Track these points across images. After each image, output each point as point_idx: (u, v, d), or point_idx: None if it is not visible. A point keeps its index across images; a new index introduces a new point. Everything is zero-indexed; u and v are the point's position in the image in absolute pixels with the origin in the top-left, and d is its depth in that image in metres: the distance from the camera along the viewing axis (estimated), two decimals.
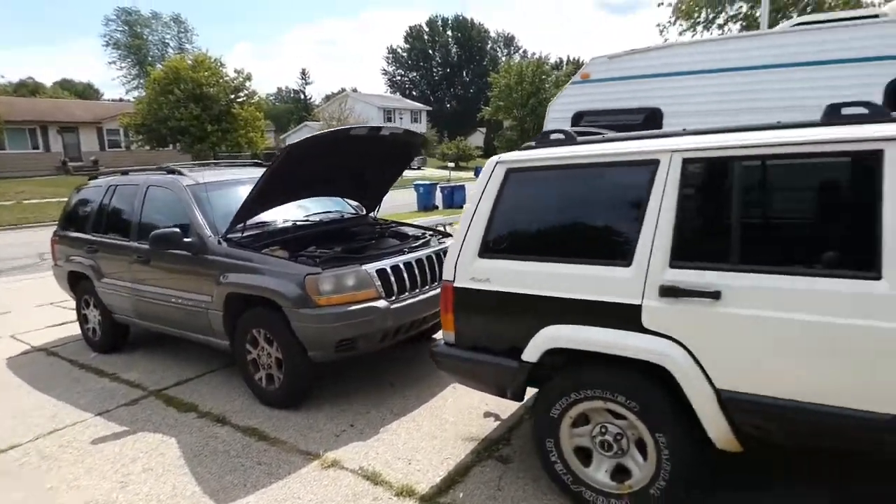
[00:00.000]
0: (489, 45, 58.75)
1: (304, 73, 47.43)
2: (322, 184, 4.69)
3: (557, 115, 6.22)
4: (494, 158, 2.76)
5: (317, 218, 4.83)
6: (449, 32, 58.06)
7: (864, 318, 1.87)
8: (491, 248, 2.69)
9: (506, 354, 2.64)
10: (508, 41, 59.70)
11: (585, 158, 2.49)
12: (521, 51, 58.12)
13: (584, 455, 2.60)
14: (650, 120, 5.60)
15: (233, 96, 27.95)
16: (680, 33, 14.70)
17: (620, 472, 2.51)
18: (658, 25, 17.81)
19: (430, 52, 58.30)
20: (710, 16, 13.96)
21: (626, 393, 2.35)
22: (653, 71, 5.61)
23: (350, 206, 5.44)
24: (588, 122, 6.01)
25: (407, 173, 29.75)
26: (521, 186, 2.65)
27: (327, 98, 50.85)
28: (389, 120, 43.06)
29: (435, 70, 59.32)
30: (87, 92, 56.20)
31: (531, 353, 2.54)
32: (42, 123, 29.77)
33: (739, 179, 2.12)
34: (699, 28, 14.17)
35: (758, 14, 11.89)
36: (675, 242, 2.21)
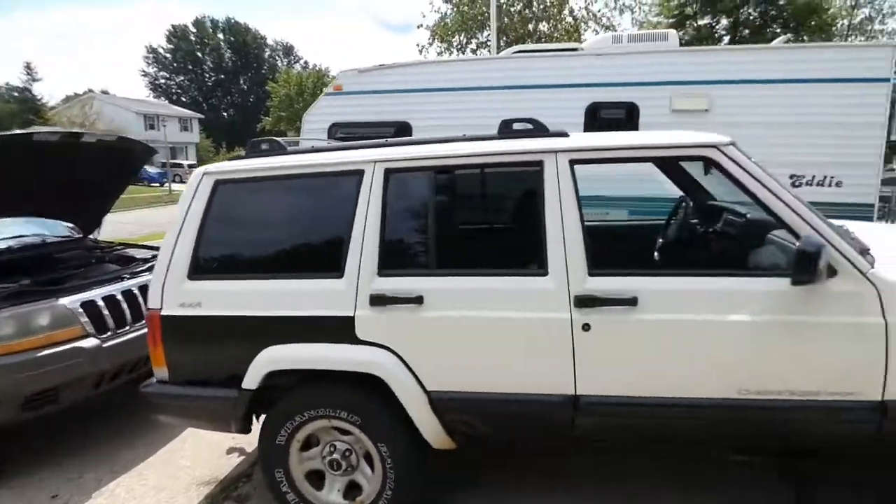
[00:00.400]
0: (267, 54, 56.45)
1: (28, 67, 39.44)
2: (13, 201, 3.81)
3: (313, 126, 6.11)
4: (201, 169, 2.50)
5: (2, 245, 3.89)
6: (220, 35, 54.22)
7: (537, 311, 2.10)
8: (201, 268, 2.42)
9: (225, 385, 2.40)
10: (288, 50, 58.17)
11: (294, 168, 2.40)
12: (301, 61, 57.04)
13: (318, 478, 2.49)
14: (400, 133, 5.84)
15: None
16: (438, 53, 16.03)
17: (353, 489, 2.46)
18: (418, 45, 19.18)
19: (200, 55, 53.67)
20: (464, 41, 15.52)
21: (347, 407, 2.30)
22: (400, 86, 5.84)
23: (63, 227, 4.55)
24: (343, 134, 6.04)
25: (177, 187, 26.80)
26: (230, 199, 2.43)
27: (68, 99, 43.13)
28: (152, 128, 38.13)
29: (207, 75, 54.77)
30: None
31: (251, 379, 2.34)
32: None
33: (434, 188, 2.24)
34: (454, 51, 15.63)
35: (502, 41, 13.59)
36: (381, 251, 2.24)
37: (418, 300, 2.18)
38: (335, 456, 2.41)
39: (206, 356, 2.45)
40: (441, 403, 2.23)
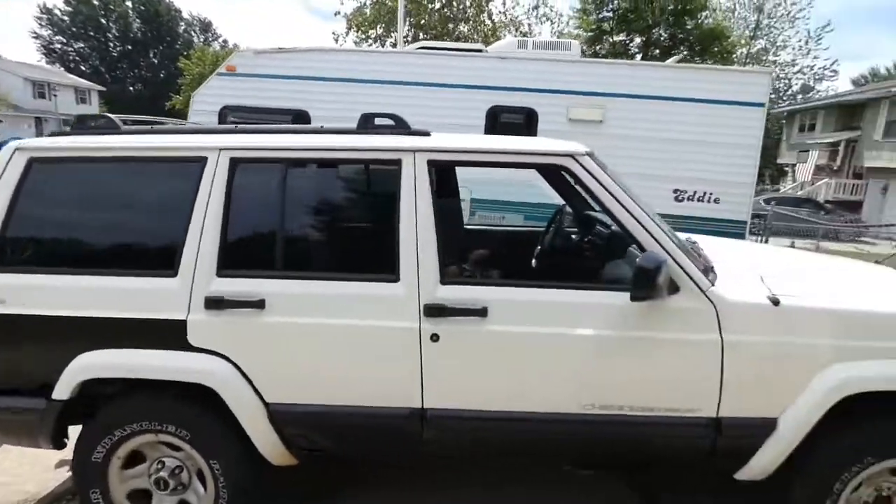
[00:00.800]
0: (182, 28, 52.83)
1: None
2: None
3: (202, 108, 5.65)
4: (13, 144, 2.15)
5: None
6: (129, 3, 50.04)
7: (385, 319, 1.97)
8: (8, 258, 2.08)
9: (34, 394, 2.08)
10: (206, 27, 54.75)
11: (127, 150, 2.12)
12: (220, 39, 53.97)
13: (145, 496, 2.22)
14: (298, 122, 5.54)
15: None
16: (356, 44, 15.62)
17: None
18: (334, 34, 18.55)
19: (104, 21, 49.26)
20: (382, 33, 15.25)
21: (176, 421, 2.06)
22: (300, 73, 5.55)
23: None
24: (235, 119, 5.64)
25: None
26: (47, 181, 2.11)
27: None
28: (42, 96, 34.58)
29: (112, 44, 50.38)
30: None
31: (63, 389, 2.04)
32: None
33: (284, 183, 2.04)
34: (371, 42, 15.30)
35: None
36: (221, 249, 2.02)
37: (259, 304, 1.99)
38: (163, 474, 2.15)
39: (9, 362, 2.11)
40: (281, 417, 2.05)
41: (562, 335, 1.94)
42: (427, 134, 2.13)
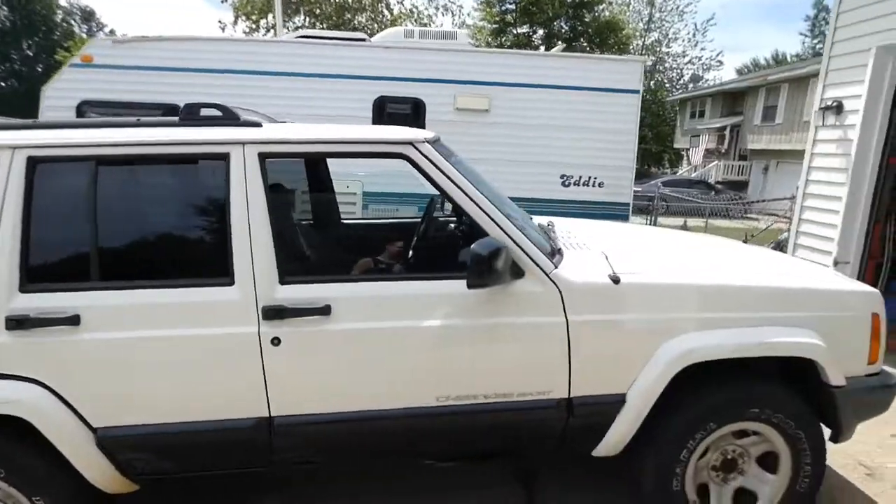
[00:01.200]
0: (60, 17, 48.19)
1: None
2: None
3: (55, 103, 5.12)
4: None
5: None
6: None
7: (221, 326, 1.82)
8: None
9: None
10: (87, 16, 50.26)
11: None
12: (105, 29, 49.74)
13: None
14: (169, 115, 5.15)
15: None
16: (245, 33, 14.87)
17: None
18: (220, 22, 17.54)
19: None
20: (272, 22, 14.65)
21: None
22: (170, 63, 5.15)
23: None
24: (97, 115, 5.16)
25: None
26: None
27: None
28: None
29: None
30: None
31: None
32: None
33: (95, 182, 1.83)
34: (261, 31, 14.64)
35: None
36: (22, 260, 1.78)
37: (73, 320, 1.77)
38: None
39: None
40: (112, 442, 1.85)
41: (409, 328, 1.88)
42: (258, 125, 1.99)
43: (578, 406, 1.99)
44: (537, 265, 1.93)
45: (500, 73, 5.36)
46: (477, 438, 2.05)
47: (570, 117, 5.39)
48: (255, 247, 1.84)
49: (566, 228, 2.67)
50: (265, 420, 1.89)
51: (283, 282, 1.87)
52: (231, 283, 1.84)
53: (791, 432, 2.08)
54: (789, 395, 2.07)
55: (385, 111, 5.29)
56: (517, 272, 1.91)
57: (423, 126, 5.28)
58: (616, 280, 1.96)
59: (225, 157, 1.88)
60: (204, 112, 2.01)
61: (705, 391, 2.06)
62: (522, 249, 1.92)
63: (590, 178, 5.50)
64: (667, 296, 2.00)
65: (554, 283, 1.93)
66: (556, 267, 1.96)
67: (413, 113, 5.30)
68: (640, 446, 2.05)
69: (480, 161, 5.22)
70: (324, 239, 2.34)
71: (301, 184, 2.92)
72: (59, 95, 5.14)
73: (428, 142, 1.99)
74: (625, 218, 5.56)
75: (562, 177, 5.48)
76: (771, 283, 2.10)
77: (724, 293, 2.03)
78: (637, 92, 5.43)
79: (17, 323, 1.75)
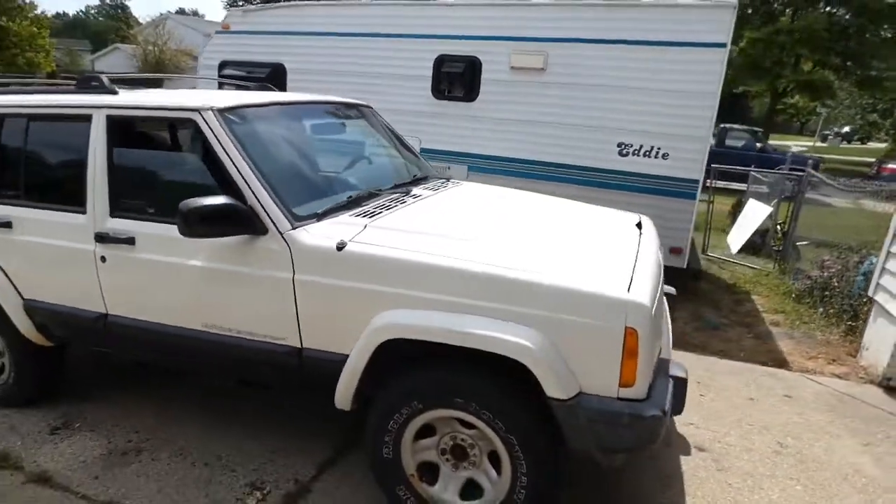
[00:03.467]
0: None
1: None
2: None
3: (208, 62, 6.50)
4: None
5: None
6: None
7: (76, 242, 2.51)
8: None
9: None
10: None
11: None
12: None
13: None
14: (275, 74, 6.12)
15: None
16: None
17: None
18: None
19: None
20: None
21: None
22: (275, 28, 6.07)
23: None
24: (230, 72, 6.40)
25: None
26: None
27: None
28: None
29: None
30: None
31: None
32: None
33: (3, 132, 2.66)
34: None
35: None
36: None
37: (8, 225, 2.65)
38: None
39: None
40: (29, 308, 2.72)
41: (181, 265, 2.31)
42: (114, 92, 2.54)
43: (308, 357, 2.19)
44: (275, 226, 2.14)
45: (557, 27, 4.98)
46: (235, 365, 2.41)
47: (633, 77, 4.78)
48: (97, 187, 2.46)
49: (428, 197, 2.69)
50: (103, 315, 2.56)
51: (112, 215, 2.46)
52: (84, 212, 2.50)
53: (503, 434, 1.96)
54: (498, 393, 1.93)
55: (438, 69, 5.42)
56: (262, 229, 2.16)
57: (477, 87, 5.29)
58: (340, 247, 2.07)
59: (88, 119, 2.50)
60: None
61: (416, 370, 2.06)
62: (264, 208, 2.15)
63: (652, 147, 4.86)
64: (385, 269, 2.02)
65: (287, 243, 2.13)
66: (293, 229, 2.14)
67: (468, 72, 5.33)
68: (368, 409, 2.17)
69: (535, 124, 5.11)
70: (146, 185, 2.78)
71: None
72: (207, 56, 6.51)
73: (219, 111, 2.30)
74: (691, 197, 4.82)
75: (619, 145, 4.95)
76: (506, 272, 1.91)
77: (446, 275, 1.95)
78: (723, 46, 4.51)
79: None
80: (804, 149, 24.87)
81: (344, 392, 2.16)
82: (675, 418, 3.09)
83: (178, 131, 2.87)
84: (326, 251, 2.09)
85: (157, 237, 2.37)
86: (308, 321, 2.16)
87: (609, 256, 2.15)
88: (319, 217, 2.25)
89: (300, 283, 2.13)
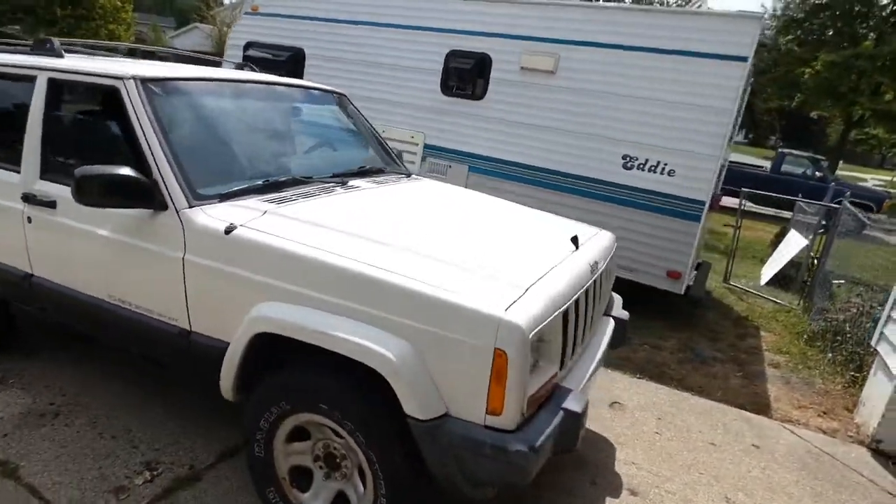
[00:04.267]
0: None
1: None
2: None
3: (234, 43, 6.61)
4: None
5: None
6: None
7: (6, 200, 2.54)
8: None
9: None
10: None
11: None
12: None
13: None
14: (294, 59, 6.14)
15: None
16: None
17: None
18: None
19: None
20: None
21: None
22: (297, 12, 6.09)
23: None
24: (253, 53, 6.47)
25: None
26: None
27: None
28: None
29: None
30: None
31: None
32: None
33: None
34: None
35: None
36: None
37: None
38: None
39: None
40: None
41: (91, 233, 2.28)
42: (60, 56, 2.55)
43: (195, 342, 2.12)
44: (173, 203, 2.08)
45: (570, 28, 4.73)
46: (136, 340, 2.36)
47: (645, 86, 4.49)
48: (30, 148, 2.47)
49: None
50: (28, 275, 2.57)
51: (41, 178, 2.46)
52: (19, 171, 2.52)
53: (364, 449, 1.82)
54: (361, 405, 1.79)
55: (449, 65, 5.28)
56: (162, 205, 2.10)
57: (485, 86, 5.11)
58: (228, 230, 1.98)
59: (33, 80, 2.51)
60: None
61: (288, 368, 1.94)
62: (166, 186, 2.09)
63: (658, 163, 4.55)
64: (266, 258, 1.91)
65: (181, 221, 2.06)
66: (189, 207, 2.06)
67: (477, 70, 5.16)
68: None
69: (539, 129, 4.90)
70: (71, 150, 2.74)
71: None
72: (235, 37, 6.61)
73: (142, 80, 2.25)
74: (694, 219, 4.48)
75: (624, 157, 4.66)
76: (383, 275, 1.76)
77: (324, 271, 1.82)
78: (744, 59, 4.15)
79: None
80: (881, 183, 23.15)
81: (225, 381, 2.06)
82: (617, 454, 2.87)
83: (107, 99, 2.86)
84: (214, 233, 2.00)
85: (69, 202, 2.35)
86: (196, 304, 2.08)
87: (514, 270, 1.95)
88: (223, 198, 2.16)
89: (189, 263, 2.05)
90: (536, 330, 1.69)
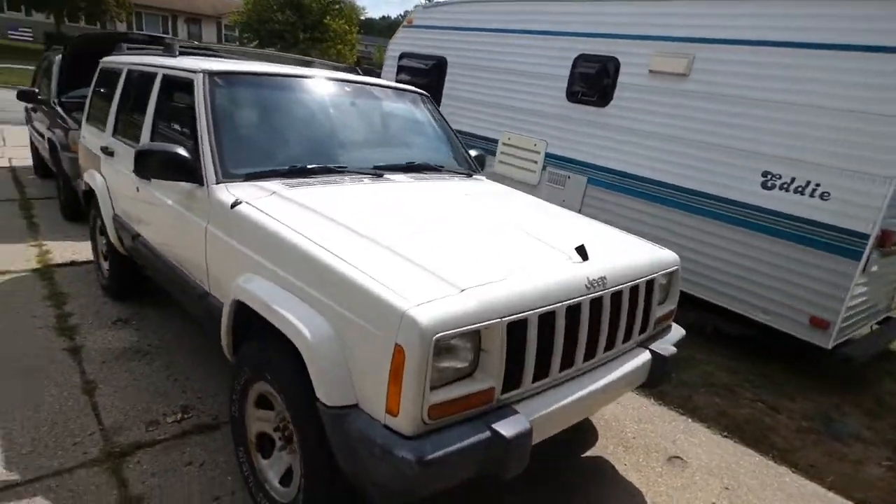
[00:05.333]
0: None
1: None
2: None
3: (391, 54, 7.19)
4: None
5: None
6: None
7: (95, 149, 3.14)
8: None
9: None
10: None
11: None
12: None
13: None
14: (437, 67, 6.43)
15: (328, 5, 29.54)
16: None
17: None
18: None
19: None
20: None
21: None
22: (443, 23, 6.38)
23: None
24: (403, 64, 6.92)
25: None
26: None
27: None
28: None
29: None
30: None
31: None
32: (172, 12, 33.97)
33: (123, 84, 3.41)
34: None
35: None
36: (112, 121, 3.52)
37: (111, 153, 3.43)
38: None
39: None
40: (115, 219, 3.46)
41: (152, 193, 2.74)
42: (174, 56, 3.06)
43: (210, 303, 2.36)
44: (206, 179, 2.34)
45: (706, 24, 4.09)
46: (186, 299, 2.67)
47: (795, 89, 3.69)
48: (146, 125, 3.01)
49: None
50: (137, 234, 3.13)
51: (112, 135, 3.10)
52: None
53: (292, 425, 1.83)
54: (293, 379, 1.79)
55: (575, 70, 4.99)
56: (201, 180, 2.38)
57: (612, 91, 4.74)
58: (234, 205, 2.17)
59: (155, 76, 3.06)
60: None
61: (253, 337, 2.04)
62: (203, 164, 2.37)
63: (808, 183, 3.70)
64: (254, 234, 2.04)
65: (209, 195, 2.31)
66: (216, 183, 2.31)
67: (604, 74, 4.80)
68: None
69: (667, 139, 4.41)
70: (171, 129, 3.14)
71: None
72: (393, 48, 7.17)
73: (212, 74, 2.58)
74: (854, 257, 3.55)
75: (764, 174, 3.89)
76: (325, 257, 1.74)
77: (289, 251, 1.87)
78: None
79: (105, 150, 3.52)
80: None
81: (223, 342, 2.26)
82: None
83: (190, 90, 3.33)
84: (224, 206, 2.21)
85: (123, 154, 2.96)
86: (211, 268, 2.33)
87: (468, 271, 1.77)
88: (248, 178, 2.37)
89: (209, 232, 2.30)
90: (450, 332, 1.52)
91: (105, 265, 3.87)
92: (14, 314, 3.49)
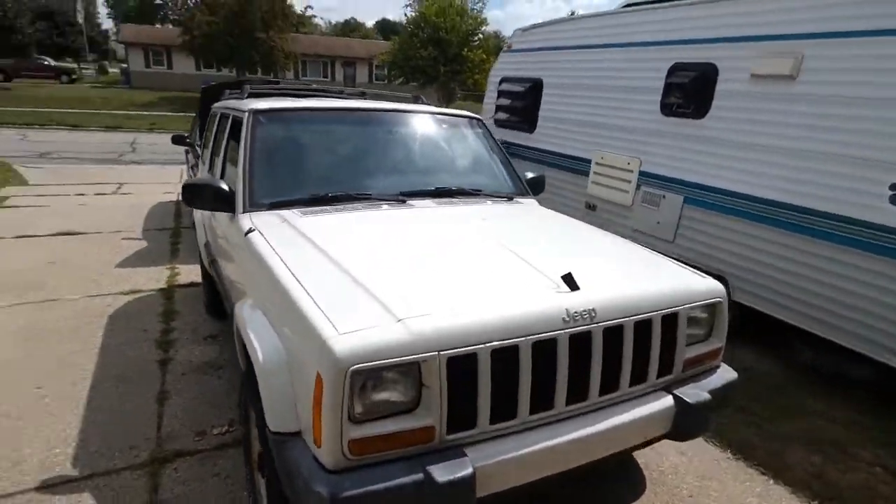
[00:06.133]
0: None
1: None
2: None
3: (492, 79, 7.26)
4: None
5: None
6: None
7: None
8: None
9: None
10: None
11: None
12: None
13: None
14: (533, 88, 6.32)
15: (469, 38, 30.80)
16: None
17: None
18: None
19: None
20: None
21: None
22: (538, 45, 6.29)
23: None
24: (503, 88, 6.90)
25: None
26: None
27: None
28: None
29: None
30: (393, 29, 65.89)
31: None
32: (331, 57, 37.92)
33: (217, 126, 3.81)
34: None
35: None
36: (208, 159, 4.01)
37: None
38: None
39: None
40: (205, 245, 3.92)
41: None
42: (241, 99, 3.37)
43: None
44: (236, 208, 2.55)
45: (816, 17, 3.46)
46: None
47: None
48: (207, 154, 3.37)
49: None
50: (205, 244, 3.49)
51: (208, 171, 3.43)
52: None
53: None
54: (256, 401, 1.82)
55: (670, 80, 4.55)
56: (235, 209, 2.60)
57: (709, 101, 4.24)
58: (247, 233, 2.33)
59: (229, 116, 3.42)
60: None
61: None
62: (236, 194, 2.58)
63: None
64: (252, 260, 2.16)
65: (239, 222, 2.50)
66: (243, 212, 2.50)
67: (700, 83, 4.31)
68: None
69: (773, 150, 3.86)
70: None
71: None
72: (494, 74, 7.24)
73: (256, 112, 2.82)
74: None
75: (893, 188, 3.17)
76: (286, 280, 1.81)
77: (268, 276, 1.94)
78: None
79: None
80: None
81: (241, 363, 2.41)
82: None
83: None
84: (241, 234, 2.38)
85: None
86: (244, 286, 2.51)
87: (422, 301, 1.68)
88: (270, 206, 2.53)
89: (237, 257, 2.49)
90: (375, 364, 1.46)
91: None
92: (130, 328, 4.07)
